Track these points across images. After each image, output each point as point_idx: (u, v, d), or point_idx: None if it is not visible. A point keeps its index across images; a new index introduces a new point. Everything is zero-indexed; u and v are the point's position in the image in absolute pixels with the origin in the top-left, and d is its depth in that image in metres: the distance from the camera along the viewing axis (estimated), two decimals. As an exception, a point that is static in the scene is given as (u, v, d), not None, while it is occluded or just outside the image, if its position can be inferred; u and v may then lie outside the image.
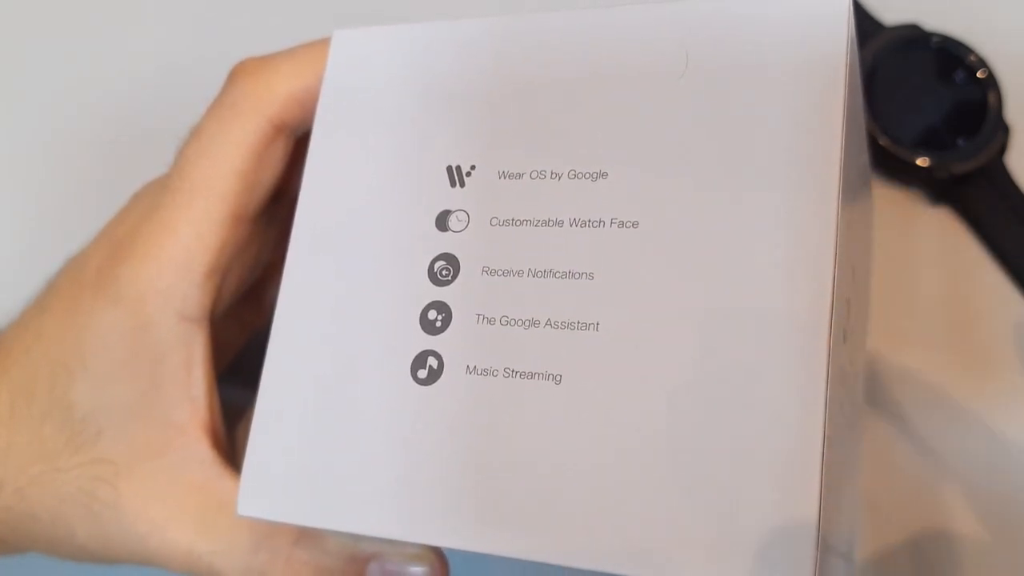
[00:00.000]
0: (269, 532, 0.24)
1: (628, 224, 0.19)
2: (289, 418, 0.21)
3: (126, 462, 0.25)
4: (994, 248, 0.33)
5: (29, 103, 0.43)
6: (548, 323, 0.19)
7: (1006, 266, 0.33)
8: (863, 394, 0.30)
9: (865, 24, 0.35)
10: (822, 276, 0.18)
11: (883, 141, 0.34)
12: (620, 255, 0.19)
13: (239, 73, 0.26)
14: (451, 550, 0.24)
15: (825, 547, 0.17)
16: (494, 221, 0.21)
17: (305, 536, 0.24)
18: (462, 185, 0.21)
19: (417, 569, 0.24)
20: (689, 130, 0.20)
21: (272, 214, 0.28)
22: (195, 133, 0.26)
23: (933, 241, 0.34)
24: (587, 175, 0.20)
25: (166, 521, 0.25)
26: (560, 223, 0.20)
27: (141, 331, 0.25)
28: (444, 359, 0.20)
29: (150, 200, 0.27)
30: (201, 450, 0.25)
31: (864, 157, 0.25)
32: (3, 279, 0.37)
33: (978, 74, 0.34)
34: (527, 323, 0.20)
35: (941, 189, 0.34)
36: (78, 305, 0.26)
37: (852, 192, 0.21)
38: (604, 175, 0.20)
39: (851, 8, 0.19)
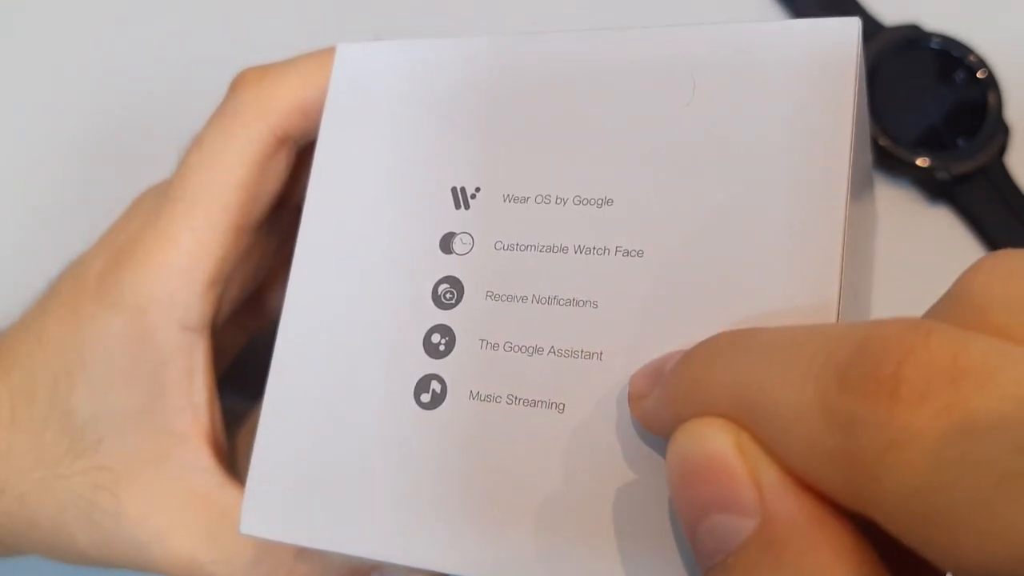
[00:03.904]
0: (271, 545, 0.24)
1: (633, 253, 0.19)
2: (292, 440, 0.21)
3: (127, 470, 0.25)
4: (994, 248, 0.33)
5: (30, 104, 0.43)
6: (552, 351, 0.19)
7: (1006, 266, 0.33)
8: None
9: (865, 24, 0.35)
10: (826, 315, 0.18)
11: (883, 141, 0.33)
12: (624, 284, 0.19)
13: (242, 83, 0.26)
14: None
15: None
16: (498, 245, 0.21)
17: (305, 552, 0.24)
18: (467, 207, 0.21)
19: None
20: (696, 157, 0.19)
21: (274, 223, 0.28)
22: (197, 142, 0.26)
23: (933, 241, 0.34)
24: (592, 201, 0.20)
25: (167, 530, 0.25)
26: (565, 249, 0.20)
27: (143, 340, 0.25)
28: (447, 384, 0.20)
29: (152, 207, 0.27)
30: (203, 459, 0.25)
31: (867, 162, 0.25)
32: (3, 280, 0.37)
33: (978, 74, 0.34)
34: (531, 350, 0.20)
35: (941, 189, 0.34)
36: (80, 311, 0.26)
37: (857, 209, 0.21)
38: (609, 202, 0.20)
39: (860, 35, 0.19)
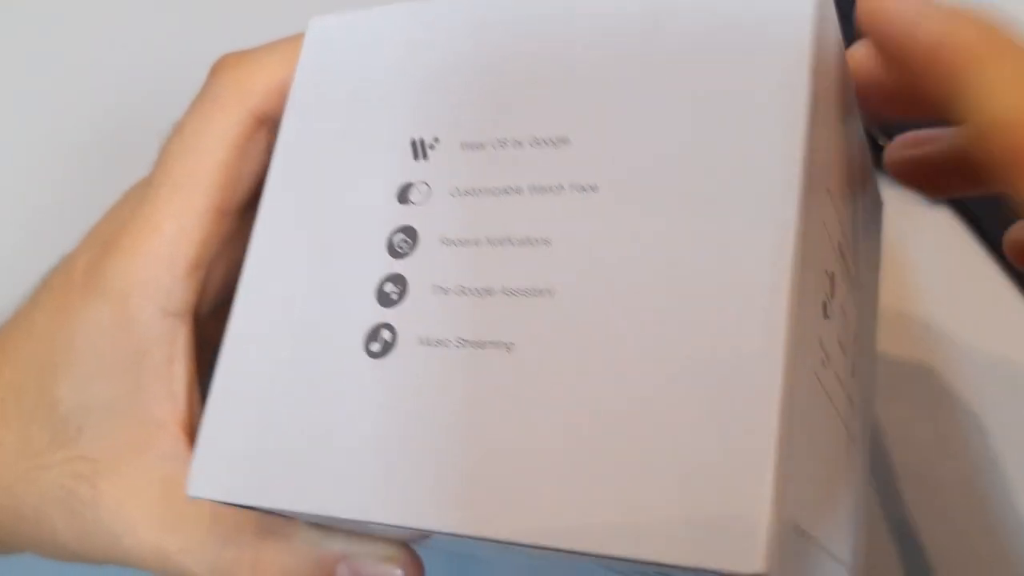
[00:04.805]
0: (236, 529, 0.24)
1: (587, 188, 0.19)
2: (245, 395, 0.21)
3: (106, 460, 0.25)
4: (994, 248, 0.33)
5: (30, 104, 0.43)
6: (502, 291, 0.19)
7: (1006, 266, 0.33)
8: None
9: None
10: (783, 246, 0.17)
11: (883, 141, 0.33)
12: (578, 219, 0.19)
13: (221, 67, 0.27)
14: (429, 552, 0.24)
15: (800, 533, 0.17)
16: (454, 192, 0.20)
17: (272, 535, 0.24)
18: (425, 157, 0.21)
19: (389, 570, 0.23)
20: (654, 92, 0.19)
21: (257, 209, 0.28)
22: (178, 128, 0.27)
23: (933, 241, 0.34)
24: (548, 141, 0.19)
25: (140, 519, 0.25)
26: (519, 191, 0.19)
27: (124, 326, 0.25)
28: (397, 331, 0.20)
29: (137, 196, 0.27)
30: (179, 447, 0.25)
31: (861, 142, 0.24)
32: (3, 280, 0.37)
33: (978, 72, 0.33)
34: (482, 292, 0.19)
35: (941, 189, 0.33)
36: (67, 302, 0.26)
37: (842, 186, 0.20)
38: (566, 140, 0.19)
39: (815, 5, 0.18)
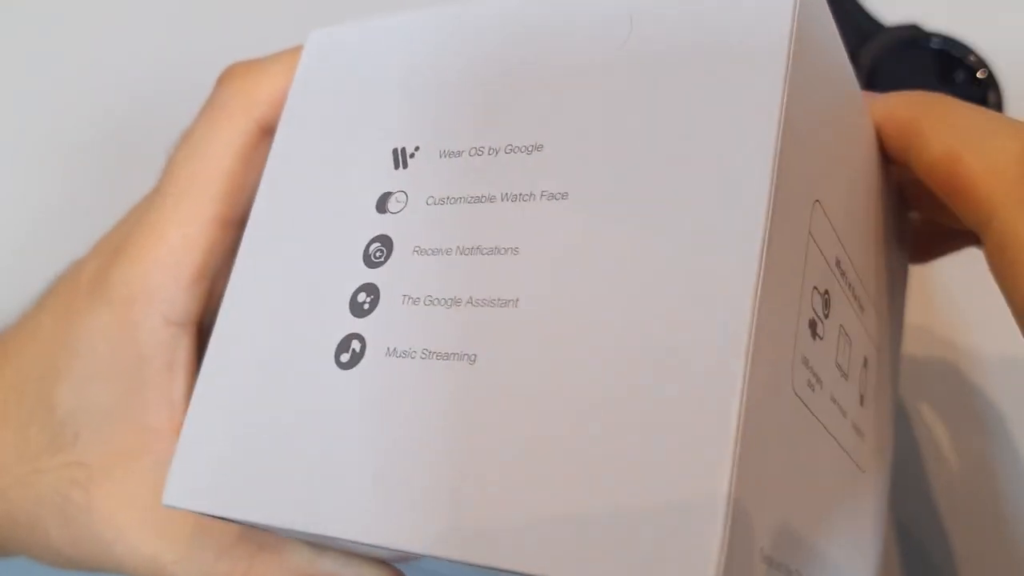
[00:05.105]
0: (229, 543, 0.24)
1: (557, 196, 0.18)
2: (223, 405, 0.21)
3: (100, 465, 0.25)
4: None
5: (30, 104, 0.43)
6: (469, 301, 0.18)
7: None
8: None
9: (865, 24, 0.35)
10: (748, 259, 0.16)
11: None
12: (546, 228, 0.18)
13: (228, 76, 0.27)
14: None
15: (772, 564, 0.16)
16: (430, 201, 0.20)
17: (265, 549, 0.24)
18: (404, 167, 0.21)
19: None
20: (628, 99, 0.19)
21: None
22: (185, 136, 0.27)
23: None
24: (523, 149, 0.19)
25: (132, 528, 0.24)
26: (492, 199, 0.19)
27: (127, 333, 0.25)
28: (367, 342, 0.19)
29: (145, 203, 0.27)
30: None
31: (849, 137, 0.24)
32: (3, 280, 0.37)
33: (978, 74, 0.33)
34: (449, 302, 0.19)
35: (941, 191, 0.33)
36: (72, 307, 0.26)
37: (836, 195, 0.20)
38: (539, 148, 0.19)
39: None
